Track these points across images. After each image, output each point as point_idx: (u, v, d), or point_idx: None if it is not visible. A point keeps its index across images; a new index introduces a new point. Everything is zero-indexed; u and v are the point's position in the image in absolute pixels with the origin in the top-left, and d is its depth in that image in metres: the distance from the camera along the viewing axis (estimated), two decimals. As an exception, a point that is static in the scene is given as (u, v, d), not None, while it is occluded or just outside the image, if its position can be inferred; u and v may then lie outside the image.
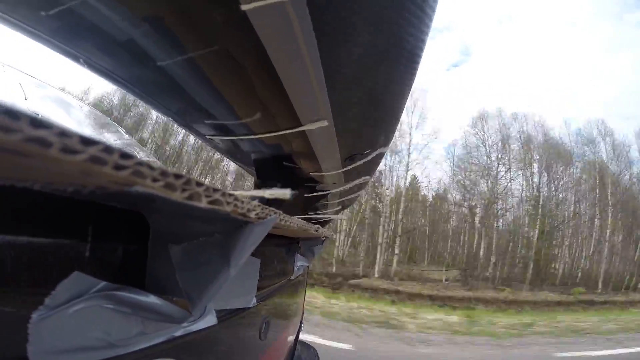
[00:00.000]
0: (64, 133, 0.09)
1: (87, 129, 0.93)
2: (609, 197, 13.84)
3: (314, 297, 7.02)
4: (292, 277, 0.77)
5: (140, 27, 0.38)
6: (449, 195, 15.95)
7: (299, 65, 0.38)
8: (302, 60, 0.37)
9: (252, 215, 0.23)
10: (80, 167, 0.10)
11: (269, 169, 0.73)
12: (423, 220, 16.25)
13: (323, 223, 1.12)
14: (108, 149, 0.11)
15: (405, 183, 14.79)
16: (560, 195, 14.59)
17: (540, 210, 13.92)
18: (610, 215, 13.74)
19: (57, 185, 0.13)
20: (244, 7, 0.29)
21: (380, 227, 13.57)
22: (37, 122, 0.09)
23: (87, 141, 0.10)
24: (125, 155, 0.11)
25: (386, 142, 0.67)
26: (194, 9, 0.35)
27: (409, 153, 14.37)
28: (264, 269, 0.49)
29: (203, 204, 0.17)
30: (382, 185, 14.42)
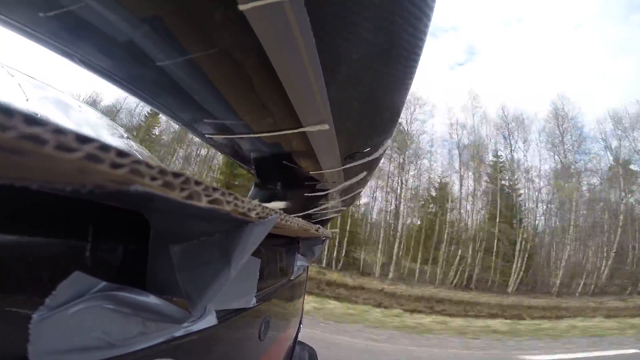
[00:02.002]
0: (58, 130, 0.09)
1: (85, 129, 0.93)
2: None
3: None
4: (292, 277, 0.76)
5: (138, 28, 0.37)
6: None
7: (298, 65, 0.38)
8: (301, 60, 0.37)
9: (253, 214, 0.22)
10: (76, 165, 0.10)
11: (269, 167, 0.73)
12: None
13: (323, 222, 1.12)
14: (104, 146, 0.10)
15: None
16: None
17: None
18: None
19: (54, 184, 0.13)
20: (241, 7, 0.29)
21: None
22: (31, 120, 0.09)
23: (82, 139, 0.10)
24: (122, 153, 0.11)
25: (386, 140, 0.66)
26: (192, 10, 0.34)
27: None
28: (264, 268, 0.49)
29: (203, 203, 0.17)
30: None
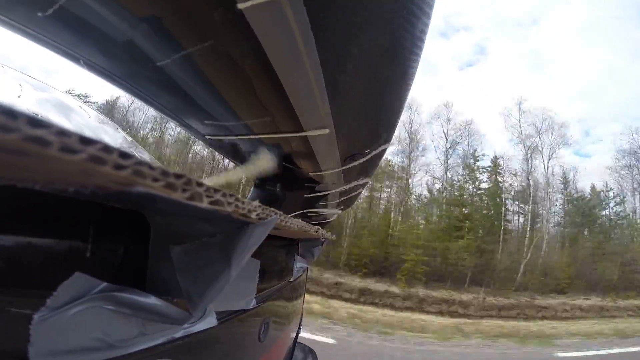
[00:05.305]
0: (62, 132, 0.09)
1: (86, 130, 0.93)
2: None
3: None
4: (292, 279, 0.76)
5: (136, 27, 0.38)
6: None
7: (298, 65, 0.38)
8: (301, 59, 0.37)
9: (253, 215, 0.22)
10: (79, 167, 0.10)
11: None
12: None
13: (323, 224, 1.12)
14: (107, 148, 0.11)
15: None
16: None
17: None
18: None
19: (57, 185, 0.13)
20: (240, 6, 0.29)
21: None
22: (35, 122, 0.09)
23: (86, 140, 0.10)
24: (124, 155, 0.11)
25: (386, 141, 0.66)
26: (190, 9, 0.34)
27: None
28: (263, 270, 0.49)
29: (204, 204, 0.17)
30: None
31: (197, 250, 0.24)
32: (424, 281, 12.18)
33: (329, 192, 0.80)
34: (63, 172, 0.11)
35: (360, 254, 13.70)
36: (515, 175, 16.59)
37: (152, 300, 0.25)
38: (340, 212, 1.13)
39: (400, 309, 9.55)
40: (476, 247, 13.73)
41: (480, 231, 15.17)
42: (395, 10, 0.36)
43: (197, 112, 0.56)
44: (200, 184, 0.16)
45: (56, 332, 0.20)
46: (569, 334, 7.96)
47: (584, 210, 15.88)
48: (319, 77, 0.40)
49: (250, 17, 0.31)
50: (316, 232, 0.60)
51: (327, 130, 0.50)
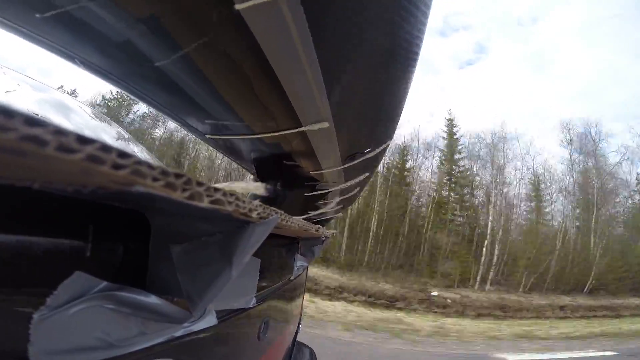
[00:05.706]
0: (59, 131, 0.09)
1: (87, 130, 0.93)
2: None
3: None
4: (292, 278, 0.76)
5: (136, 28, 0.37)
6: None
7: (296, 65, 0.37)
8: (299, 59, 0.37)
9: (254, 215, 0.22)
10: (77, 166, 0.10)
11: (269, 168, 0.73)
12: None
13: (323, 222, 1.12)
14: (105, 147, 0.10)
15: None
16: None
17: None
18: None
19: (56, 184, 0.13)
20: (237, 7, 0.29)
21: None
22: (32, 121, 0.09)
23: (83, 140, 0.10)
24: (123, 154, 0.11)
25: (386, 140, 0.66)
26: (189, 9, 0.34)
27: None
28: (264, 269, 0.49)
29: (204, 203, 0.17)
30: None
31: (198, 250, 0.24)
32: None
33: (329, 190, 0.80)
34: (61, 172, 0.11)
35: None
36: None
37: (152, 299, 0.25)
38: (341, 210, 1.13)
39: None
40: None
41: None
42: (393, 7, 0.36)
43: (197, 111, 0.56)
44: (200, 184, 0.16)
45: (56, 332, 0.20)
46: None
47: None
48: (317, 75, 0.40)
49: (247, 18, 0.31)
50: (317, 230, 0.60)
51: (326, 124, 0.49)
